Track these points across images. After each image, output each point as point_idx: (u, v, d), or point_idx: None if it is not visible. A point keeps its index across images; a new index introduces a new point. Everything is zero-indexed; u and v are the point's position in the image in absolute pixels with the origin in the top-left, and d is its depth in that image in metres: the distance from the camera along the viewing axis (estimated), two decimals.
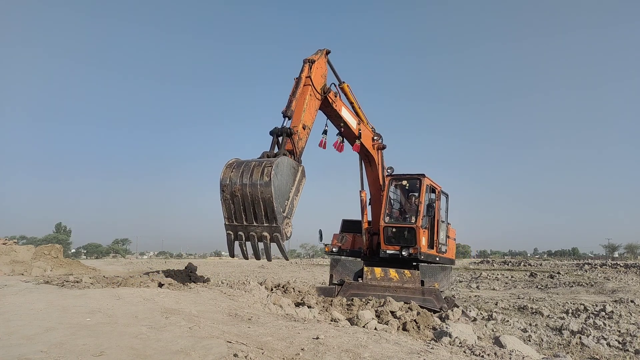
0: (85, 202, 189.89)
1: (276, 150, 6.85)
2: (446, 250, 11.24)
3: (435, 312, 9.06)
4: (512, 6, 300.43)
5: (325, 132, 8.59)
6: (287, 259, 6.88)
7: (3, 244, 16.93)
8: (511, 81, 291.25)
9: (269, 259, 6.39)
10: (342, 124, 8.89)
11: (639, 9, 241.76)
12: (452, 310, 9.96)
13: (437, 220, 10.67)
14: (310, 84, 7.56)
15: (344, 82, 9.11)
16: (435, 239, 10.53)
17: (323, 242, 11.74)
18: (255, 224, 6.10)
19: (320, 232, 11.48)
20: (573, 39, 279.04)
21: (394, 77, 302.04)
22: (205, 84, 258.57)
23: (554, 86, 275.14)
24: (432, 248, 10.47)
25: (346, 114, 8.99)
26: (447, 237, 11.46)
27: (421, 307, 8.96)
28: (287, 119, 7.09)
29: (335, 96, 8.54)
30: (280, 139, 6.91)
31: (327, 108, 8.50)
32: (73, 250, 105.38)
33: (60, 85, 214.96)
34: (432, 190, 10.76)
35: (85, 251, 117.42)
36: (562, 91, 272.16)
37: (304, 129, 7.33)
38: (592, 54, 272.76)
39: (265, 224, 6.05)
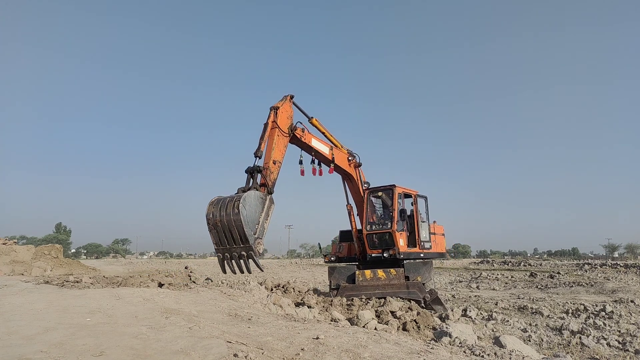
0: (85, 202, 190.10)
1: (251, 184, 8.31)
2: (431, 246, 12.21)
3: (418, 302, 10.04)
4: (490, 2, 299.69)
5: (300, 162, 10.06)
6: (262, 270, 8.13)
7: (3, 244, 16.95)
8: (510, 78, 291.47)
9: (249, 272, 7.72)
10: (313, 153, 10.29)
11: (624, 4, 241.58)
12: (452, 310, 10.03)
13: (417, 221, 11.76)
14: (277, 127, 8.94)
15: (312, 117, 10.52)
16: (417, 238, 11.59)
17: (323, 252, 13.58)
18: (234, 245, 7.53)
19: (319, 245, 13.68)
20: (572, 33, 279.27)
21: (392, 81, 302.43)
22: (208, 86, 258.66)
23: (555, 83, 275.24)
24: (415, 246, 11.52)
25: (316, 144, 10.32)
26: (433, 233, 12.50)
27: (404, 298, 10.07)
28: (258, 158, 8.42)
29: (303, 131, 9.81)
30: (253, 175, 8.33)
31: (297, 142, 9.82)
32: (73, 250, 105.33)
33: (61, 84, 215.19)
34: (408, 196, 11.99)
35: (85, 251, 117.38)
36: (563, 89, 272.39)
37: (275, 163, 8.67)
38: (595, 50, 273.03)
39: (241, 245, 7.47)
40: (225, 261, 7.72)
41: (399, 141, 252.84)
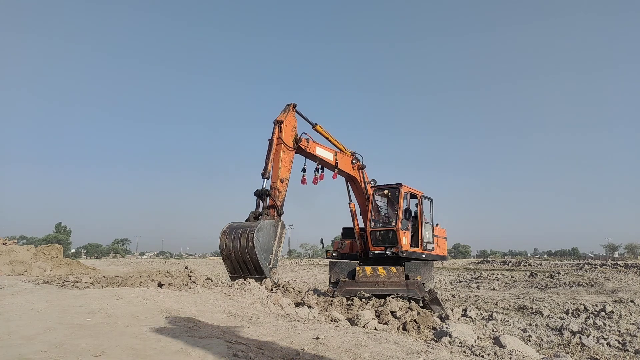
0: (85, 202, 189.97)
1: (262, 209, 8.57)
2: (433, 248, 12.24)
3: (417, 300, 10.17)
4: None
5: (304, 170, 10.23)
6: None
7: (3, 244, 16.92)
8: (509, 77, 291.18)
9: None
10: (318, 161, 10.46)
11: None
12: (452, 310, 10.03)
13: (421, 222, 11.83)
14: (282, 142, 9.03)
15: (316, 124, 10.56)
16: (420, 238, 11.66)
17: (325, 248, 13.65)
18: (250, 275, 7.77)
19: (322, 240, 13.39)
20: (582, 23, 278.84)
21: (393, 77, 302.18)
22: (209, 84, 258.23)
23: (555, 83, 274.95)
24: (417, 246, 11.59)
25: (321, 152, 10.45)
26: (436, 236, 12.53)
27: (403, 296, 10.23)
28: (266, 179, 8.58)
29: (307, 142, 9.93)
30: (262, 198, 8.59)
31: (302, 152, 9.99)
32: (73, 250, 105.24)
33: (61, 83, 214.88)
34: (413, 196, 12.04)
35: (85, 251, 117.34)
36: (563, 89, 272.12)
37: (282, 182, 8.85)
38: (599, 49, 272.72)
39: (257, 275, 7.75)
40: None
41: (399, 137, 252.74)
